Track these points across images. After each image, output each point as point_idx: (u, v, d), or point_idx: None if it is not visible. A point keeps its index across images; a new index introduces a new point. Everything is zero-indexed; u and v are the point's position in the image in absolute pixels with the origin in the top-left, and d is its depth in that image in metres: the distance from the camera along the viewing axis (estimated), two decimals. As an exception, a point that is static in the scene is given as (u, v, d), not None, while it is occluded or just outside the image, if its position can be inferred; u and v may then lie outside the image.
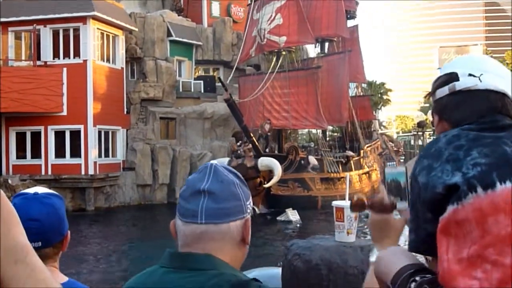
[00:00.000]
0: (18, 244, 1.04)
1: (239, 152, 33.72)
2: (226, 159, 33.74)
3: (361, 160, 43.09)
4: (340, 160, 39.82)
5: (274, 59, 38.90)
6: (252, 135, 33.42)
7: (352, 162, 40.84)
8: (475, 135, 1.69)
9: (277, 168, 31.46)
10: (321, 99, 39.74)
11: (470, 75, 1.82)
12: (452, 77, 1.85)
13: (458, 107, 1.82)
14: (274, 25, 38.03)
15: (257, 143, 33.55)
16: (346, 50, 42.96)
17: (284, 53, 39.28)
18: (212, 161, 1.90)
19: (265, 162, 31.86)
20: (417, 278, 1.68)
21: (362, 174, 42.10)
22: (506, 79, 1.83)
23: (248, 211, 1.87)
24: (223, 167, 1.87)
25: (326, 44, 46.85)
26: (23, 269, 1.03)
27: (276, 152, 37.30)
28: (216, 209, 1.77)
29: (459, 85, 1.83)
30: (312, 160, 35.40)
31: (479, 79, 1.81)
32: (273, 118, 37.48)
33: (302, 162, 35.22)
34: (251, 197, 1.92)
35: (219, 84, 42.46)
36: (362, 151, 43.70)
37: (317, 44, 45.30)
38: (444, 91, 1.85)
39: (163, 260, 1.84)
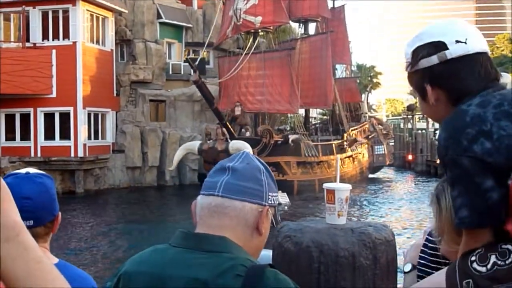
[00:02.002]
0: (9, 221, 1.02)
1: (212, 136, 33.12)
2: (198, 142, 33.40)
3: (344, 143, 42.47)
4: (327, 144, 39.43)
5: (251, 39, 38.41)
6: (224, 118, 32.92)
7: (333, 145, 40.47)
8: (502, 93, 1.75)
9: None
10: (303, 81, 39.40)
11: (457, 41, 1.85)
12: (439, 46, 1.86)
13: (458, 75, 1.84)
14: (250, 4, 37.25)
15: (230, 126, 33.13)
16: (328, 31, 42.46)
17: (261, 33, 38.80)
18: (246, 150, 1.99)
19: (236, 145, 31.03)
20: (473, 258, 1.66)
21: (345, 158, 41.47)
22: (481, 37, 1.91)
23: (269, 202, 1.87)
24: (256, 157, 1.93)
25: (313, 25, 46.36)
26: (15, 247, 1.01)
27: (247, 134, 36.80)
28: (234, 184, 1.81)
29: (450, 54, 1.85)
30: (293, 136, 35.00)
31: (468, 44, 1.85)
32: (248, 102, 37.02)
33: (279, 142, 34.74)
34: (278, 193, 1.94)
35: (209, 66, 42.28)
36: (345, 135, 43.03)
37: (301, 24, 44.79)
38: (432, 60, 1.86)
39: (174, 239, 1.83)
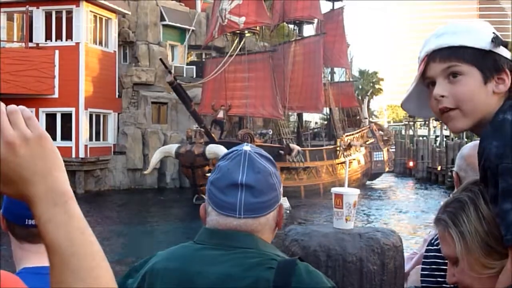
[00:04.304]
0: (59, 187, 1.05)
1: (193, 138, 32.26)
2: (175, 145, 32.90)
3: (337, 149, 41.32)
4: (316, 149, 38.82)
5: (237, 40, 37.87)
6: (202, 121, 32.22)
7: (324, 151, 39.61)
8: None
9: None
10: (296, 85, 38.87)
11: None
12: (506, 45, 1.80)
13: None
14: (235, 4, 36.52)
15: (208, 130, 32.37)
16: (320, 33, 41.91)
17: (248, 34, 38.41)
18: (244, 147, 1.87)
19: (213, 149, 30.27)
20: None
21: (338, 164, 40.36)
22: None
23: (281, 196, 1.87)
24: (257, 153, 1.85)
25: (309, 27, 45.24)
26: (61, 214, 1.04)
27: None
28: (255, 203, 1.77)
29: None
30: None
31: None
32: (232, 105, 36.14)
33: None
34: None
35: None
36: (338, 140, 41.95)
37: (295, 26, 43.75)
38: (507, 53, 1.79)
39: (199, 237, 1.83)
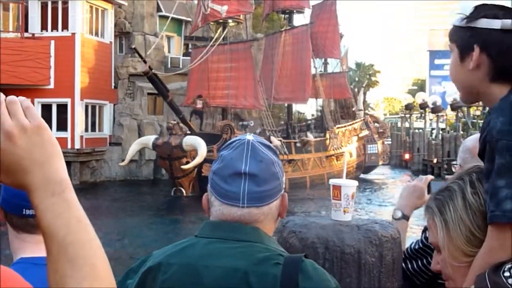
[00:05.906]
0: (57, 176, 1.07)
1: (173, 130, 31.93)
2: (153, 137, 32.72)
3: (327, 141, 40.54)
4: (294, 142, 38.11)
5: (220, 29, 37.58)
6: (180, 111, 32.07)
7: (312, 144, 38.76)
8: None
9: (201, 148, 29.21)
10: (285, 75, 38.71)
11: None
12: (508, 12, 1.74)
13: None
14: None
15: (188, 121, 32.21)
16: (309, 23, 41.70)
17: (232, 24, 38.16)
18: (247, 136, 1.86)
19: (189, 141, 30.14)
20: (506, 273, 1.56)
21: (326, 157, 39.67)
22: None
23: (284, 186, 1.87)
24: (260, 142, 1.85)
25: (300, 17, 44.80)
26: (59, 203, 1.05)
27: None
28: (258, 192, 1.77)
29: None
30: (274, 141, 34.04)
31: None
32: (216, 96, 36.29)
33: None
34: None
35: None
36: (328, 132, 41.04)
37: (286, 16, 43.21)
38: (493, 23, 1.72)
39: (202, 231, 1.82)
